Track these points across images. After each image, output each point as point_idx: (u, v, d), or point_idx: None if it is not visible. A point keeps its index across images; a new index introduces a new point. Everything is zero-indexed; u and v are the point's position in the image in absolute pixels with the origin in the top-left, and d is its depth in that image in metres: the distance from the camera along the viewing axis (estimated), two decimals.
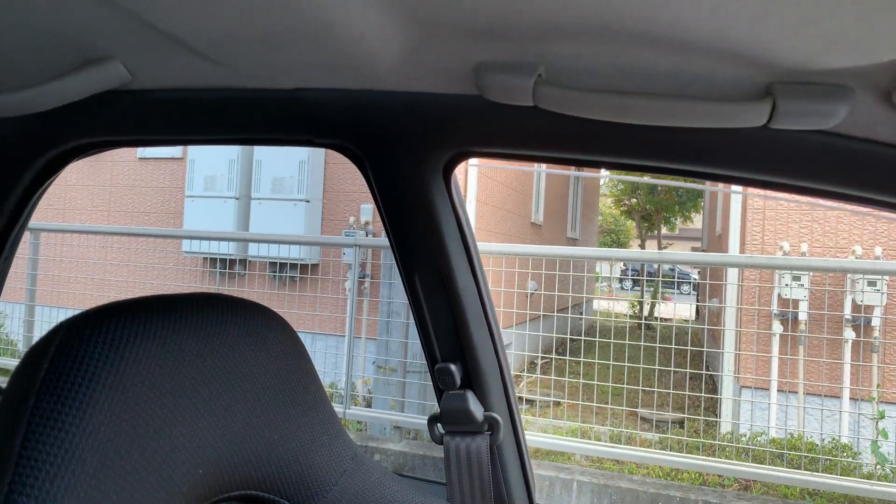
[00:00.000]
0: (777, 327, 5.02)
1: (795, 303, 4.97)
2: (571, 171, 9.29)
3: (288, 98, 0.89)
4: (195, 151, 6.82)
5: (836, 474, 3.56)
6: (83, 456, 0.45)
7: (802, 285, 4.87)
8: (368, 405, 5.02)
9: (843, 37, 0.55)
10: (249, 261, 6.32)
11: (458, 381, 1.03)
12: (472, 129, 0.87)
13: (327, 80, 0.84)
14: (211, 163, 6.69)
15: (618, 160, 0.82)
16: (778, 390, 4.80)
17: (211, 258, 6.59)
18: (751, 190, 5.87)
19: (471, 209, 6.65)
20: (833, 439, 4.22)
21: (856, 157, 0.72)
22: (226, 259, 6.37)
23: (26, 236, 5.31)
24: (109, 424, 0.47)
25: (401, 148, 0.91)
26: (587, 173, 10.00)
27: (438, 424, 1.08)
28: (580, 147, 0.83)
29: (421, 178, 0.92)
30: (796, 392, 4.53)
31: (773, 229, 5.82)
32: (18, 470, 0.43)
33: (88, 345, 0.48)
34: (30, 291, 5.42)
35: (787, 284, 4.93)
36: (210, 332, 0.59)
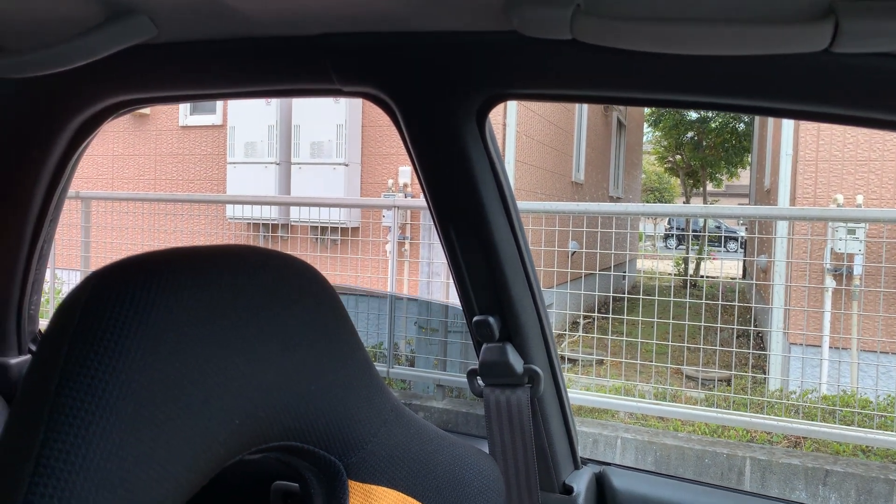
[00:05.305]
0: (830, 282, 4.85)
1: (850, 257, 4.77)
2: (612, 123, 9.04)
3: (313, 45, 0.87)
4: (235, 118, 6.89)
5: (893, 430, 3.46)
6: (117, 404, 0.45)
7: (858, 238, 4.67)
8: (411, 364, 5.09)
9: None
10: (292, 225, 6.41)
11: (497, 334, 1.01)
12: (505, 69, 0.83)
13: (351, 24, 0.81)
14: (251, 129, 6.76)
15: (662, 97, 0.77)
16: (830, 347, 4.66)
17: (254, 223, 6.71)
18: (802, 140, 5.61)
19: (509, 169, 6.56)
20: (889, 396, 4.09)
21: None
22: (269, 224, 6.48)
23: (77, 205, 5.49)
24: (142, 373, 0.47)
25: (431, 92, 0.88)
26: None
27: (478, 378, 1.07)
28: (622, 84, 0.78)
29: (453, 123, 0.89)
30: (849, 348, 4.39)
31: (825, 182, 5.57)
32: (53, 416, 0.43)
33: (119, 293, 0.48)
34: (84, 258, 5.63)
35: (841, 238, 4.73)
36: (242, 282, 0.58)
